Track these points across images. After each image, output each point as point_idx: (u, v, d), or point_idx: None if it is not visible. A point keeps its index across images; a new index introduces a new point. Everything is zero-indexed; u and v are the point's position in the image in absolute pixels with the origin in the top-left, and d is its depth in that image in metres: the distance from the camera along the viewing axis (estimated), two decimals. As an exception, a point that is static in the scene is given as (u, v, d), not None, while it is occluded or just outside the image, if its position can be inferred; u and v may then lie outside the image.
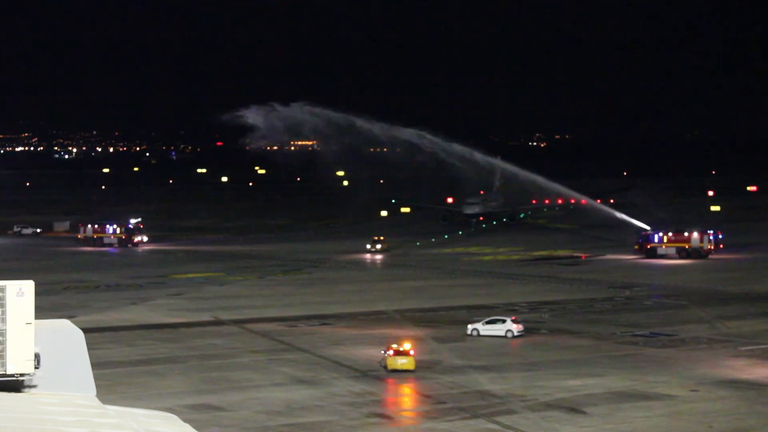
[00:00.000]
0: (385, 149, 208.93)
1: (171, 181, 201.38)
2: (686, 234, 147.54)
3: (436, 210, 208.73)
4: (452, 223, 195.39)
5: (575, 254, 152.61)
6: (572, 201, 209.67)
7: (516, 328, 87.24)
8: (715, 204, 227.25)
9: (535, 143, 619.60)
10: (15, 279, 21.50)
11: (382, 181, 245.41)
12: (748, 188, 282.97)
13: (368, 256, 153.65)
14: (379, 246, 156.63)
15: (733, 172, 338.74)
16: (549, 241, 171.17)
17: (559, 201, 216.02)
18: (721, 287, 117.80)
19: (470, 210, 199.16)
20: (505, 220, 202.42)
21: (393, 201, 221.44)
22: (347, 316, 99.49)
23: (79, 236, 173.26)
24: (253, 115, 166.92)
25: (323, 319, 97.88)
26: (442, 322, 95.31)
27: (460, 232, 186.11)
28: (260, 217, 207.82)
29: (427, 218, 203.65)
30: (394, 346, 74.34)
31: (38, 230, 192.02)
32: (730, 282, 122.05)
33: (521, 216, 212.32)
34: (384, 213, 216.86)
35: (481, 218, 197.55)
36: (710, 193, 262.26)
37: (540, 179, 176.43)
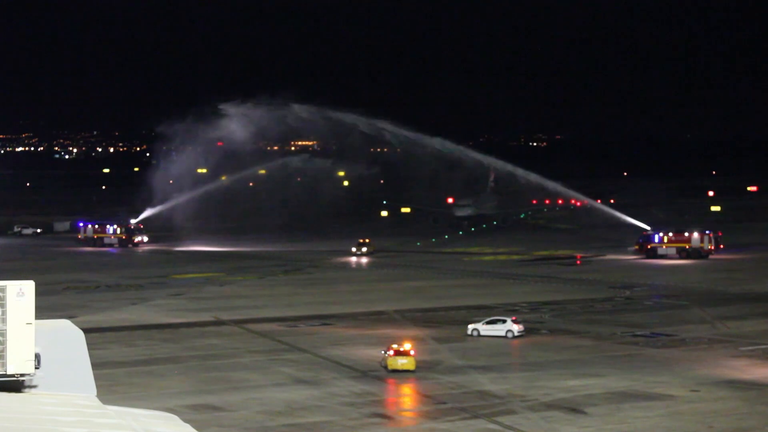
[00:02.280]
0: (385, 149, 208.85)
1: (171, 182, 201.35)
2: (686, 234, 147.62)
3: (427, 212, 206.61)
4: (443, 225, 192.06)
5: (576, 254, 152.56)
6: (572, 201, 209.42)
7: (516, 328, 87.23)
8: (715, 204, 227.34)
9: (535, 143, 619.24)
10: (15, 279, 21.48)
11: (382, 182, 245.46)
12: (748, 188, 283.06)
13: (354, 259, 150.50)
14: (364, 249, 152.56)
15: (733, 172, 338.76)
16: (549, 241, 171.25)
17: (560, 201, 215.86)
18: (722, 287, 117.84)
19: (461, 212, 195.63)
20: (495, 223, 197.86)
21: (384, 202, 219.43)
22: (347, 316, 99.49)
23: (79, 236, 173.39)
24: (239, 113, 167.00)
25: (324, 319, 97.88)
26: (443, 322, 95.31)
27: (460, 233, 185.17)
28: (259, 218, 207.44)
29: (426, 219, 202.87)
30: (395, 346, 74.33)
31: (38, 230, 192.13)
32: (731, 282, 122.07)
33: (522, 216, 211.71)
34: (384, 213, 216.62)
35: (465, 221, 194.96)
36: (710, 193, 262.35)
37: (540, 179, 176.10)
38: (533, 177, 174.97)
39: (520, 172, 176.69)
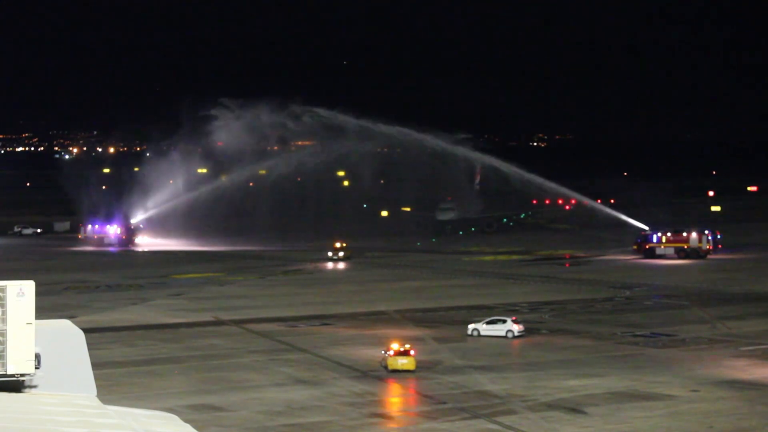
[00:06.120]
0: (385, 149, 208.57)
1: (171, 181, 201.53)
2: (685, 234, 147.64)
3: (412, 215, 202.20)
4: (427, 229, 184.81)
5: (576, 255, 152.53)
6: (573, 202, 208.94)
7: (516, 328, 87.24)
8: (715, 204, 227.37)
9: (535, 143, 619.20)
10: (15, 279, 21.50)
11: (382, 182, 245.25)
12: (748, 188, 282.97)
13: (331, 264, 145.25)
14: (341, 253, 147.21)
15: (733, 172, 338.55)
16: (549, 241, 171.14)
17: (560, 202, 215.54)
18: (721, 287, 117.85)
19: (443, 216, 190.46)
20: (474, 229, 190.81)
21: (365, 205, 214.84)
22: (347, 316, 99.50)
23: (79, 236, 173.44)
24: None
25: (323, 319, 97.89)
26: (443, 322, 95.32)
27: (433, 240, 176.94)
28: (259, 218, 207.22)
29: (411, 222, 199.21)
30: (395, 346, 74.33)
31: (38, 230, 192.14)
32: (730, 282, 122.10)
33: (522, 216, 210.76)
34: (384, 213, 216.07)
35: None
36: (710, 193, 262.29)
37: (538, 179, 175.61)
38: (530, 177, 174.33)
39: (512, 170, 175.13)
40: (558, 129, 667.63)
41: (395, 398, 69.22)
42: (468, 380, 70.76)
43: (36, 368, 20.89)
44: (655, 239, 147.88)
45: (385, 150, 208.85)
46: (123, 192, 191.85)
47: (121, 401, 35.37)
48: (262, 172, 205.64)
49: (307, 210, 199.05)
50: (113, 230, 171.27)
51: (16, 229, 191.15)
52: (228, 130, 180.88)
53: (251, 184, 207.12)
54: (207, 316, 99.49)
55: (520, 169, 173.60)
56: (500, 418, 60.48)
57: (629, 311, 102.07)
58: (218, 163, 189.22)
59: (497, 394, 66.64)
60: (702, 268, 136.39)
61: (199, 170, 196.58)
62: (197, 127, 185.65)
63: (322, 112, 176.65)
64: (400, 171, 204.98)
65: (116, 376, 70.58)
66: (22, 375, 20.85)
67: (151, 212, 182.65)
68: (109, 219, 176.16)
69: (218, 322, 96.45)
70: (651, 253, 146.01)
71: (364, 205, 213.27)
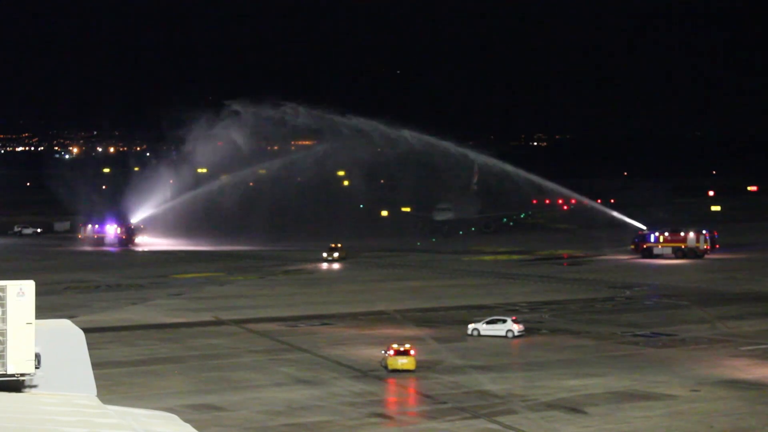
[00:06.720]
0: (386, 149, 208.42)
1: (171, 181, 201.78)
2: (682, 234, 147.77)
3: (411, 215, 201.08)
4: (425, 229, 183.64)
5: (576, 254, 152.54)
6: (572, 201, 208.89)
7: (516, 328, 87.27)
8: (715, 204, 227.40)
9: (536, 143, 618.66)
10: (15, 279, 21.50)
11: (382, 182, 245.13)
12: (748, 188, 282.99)
13: (325, 265, 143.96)
14: (336, 254, 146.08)
15: (733, 172, 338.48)
16: (549, 241, 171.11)
17: (559, 201, 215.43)
18: (721, 287, 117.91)
19: (441, 216, 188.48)
20: (473, 229, 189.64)
21: (361, 206, 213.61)
22: (348, 316, 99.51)
23: (79, 236, 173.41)
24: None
25: (324, 319, 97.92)
26: (443, 322, 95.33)
27: (433, 240, 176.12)
28: (258, 218, 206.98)
29: (409, 222, 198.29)
30: (395, 345, 74.34)
31: (38, 230, 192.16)
32: (730, 282, 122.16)
33: (522, 216, 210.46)
34: (384, 213, 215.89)
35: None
36: (710, 193, 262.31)
37: (536, 178, 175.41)
38: (532, 177, 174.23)
39: (511, 170, 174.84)
40: (558, 129, 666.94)
41: (395, 398, 69.22)
42: (468, 380, 70.78)
43: (36, 368, 20.89)
44: (652, 239, 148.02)
45: (386, 150, 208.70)
46: (123, 192, 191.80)
47: (121, 401, 35.38)
48: (262, 171, 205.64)
49: (306, 210, 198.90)
50: (113, 230, 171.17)
51: (16, 229, 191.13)
52: (224, 132, 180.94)
53: (251, 184, 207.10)
54: (207, 316, 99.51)
55: (519, 169, 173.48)
56: (500, 418, 60.49)
57: (629, 311, 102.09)
58: (218, 163, 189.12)
59: (497, 394, 66.66)
60: (700, 268, 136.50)
61: (199, 170, 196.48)
62: (187, 132, 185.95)
63: (302, 111, 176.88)
64: (399, 171, 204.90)
65: (116, 376, 70.58)
66: (22, 375, 20.85)
67: (150, 212, 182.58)
68: (108, 219, 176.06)
69: (218, 322, 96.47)
70: (649, 253, 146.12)
71: (361, 206, 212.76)
